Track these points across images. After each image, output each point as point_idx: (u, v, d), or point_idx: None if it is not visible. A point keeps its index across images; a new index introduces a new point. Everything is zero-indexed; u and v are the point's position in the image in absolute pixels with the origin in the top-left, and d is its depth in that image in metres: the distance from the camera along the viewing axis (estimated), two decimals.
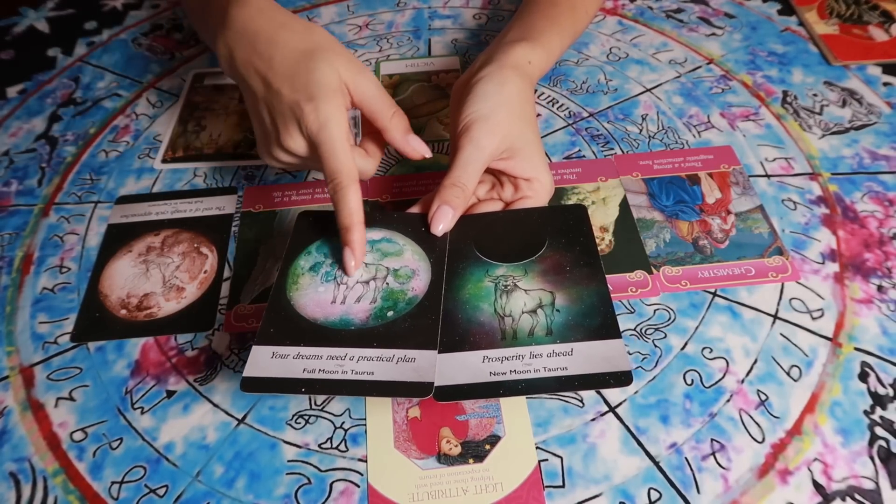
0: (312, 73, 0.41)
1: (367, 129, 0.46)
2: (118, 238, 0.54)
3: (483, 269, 0.42)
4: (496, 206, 0.46)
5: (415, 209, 0.45)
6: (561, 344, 0.37)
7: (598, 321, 0.37)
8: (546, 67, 0.50)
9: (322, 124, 0.40)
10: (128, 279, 0.51)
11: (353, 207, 0.40)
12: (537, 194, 0.45)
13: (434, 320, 0.38)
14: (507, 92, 0.44)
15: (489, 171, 0.45)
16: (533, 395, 0.42)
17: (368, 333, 0.38)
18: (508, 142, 0.43)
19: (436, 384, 0.35)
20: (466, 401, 0.42)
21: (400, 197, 0.55)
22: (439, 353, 0.37)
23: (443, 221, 0.42)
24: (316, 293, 0.40)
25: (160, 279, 0.50)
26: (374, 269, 0.41)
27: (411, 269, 0.41)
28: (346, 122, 0.41)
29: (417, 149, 0.44)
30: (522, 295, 0.40)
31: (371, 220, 0.44)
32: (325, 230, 0.44)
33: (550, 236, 0.43)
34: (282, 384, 0.35)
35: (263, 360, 0.36)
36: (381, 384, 0.35)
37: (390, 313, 0.39)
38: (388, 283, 0.40)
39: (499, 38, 0.51)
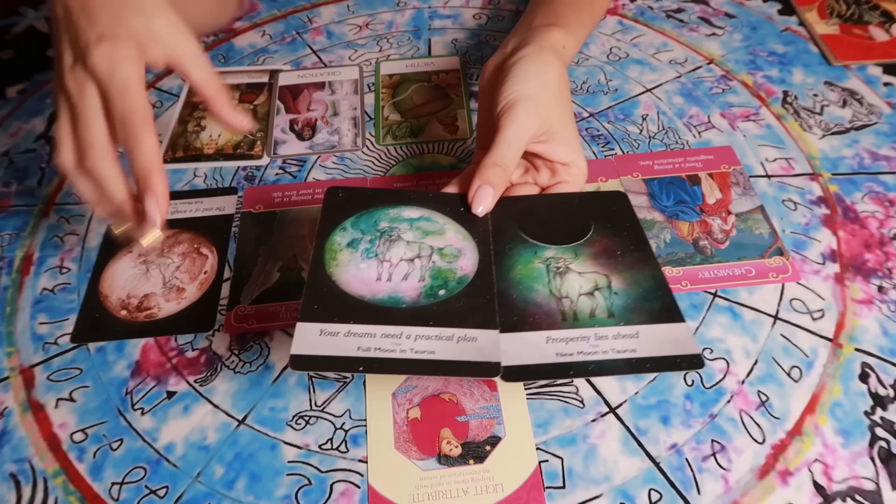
0: (121, 17, 0.38)
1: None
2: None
3: (531, 251, 0.40)
4: (532, 191, 0.45)
5: (451, 189, 0.44)
6: (625, 326, 0.36)
7: (660, 304, 0.37)
8: (574, 55, 0.50)
9: (115, 63, 0.37)
10: (128, 280, 0.51)
11: (151, 150, 0.37)
12: (574, 179, 0.44)
13: (489, 300, 0.37)
14: (548, 74, 0.43)
15: (524, 154, 0.44)
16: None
17: (423, 312, 0.36)
18: (548, 125, 0.42)
19: (502, 364, 0.34)
20: (472, 400, 0.43)
21: None
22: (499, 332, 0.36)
23: (483, 202, 0.41)
24: (358, 270, 0.39)
25: (160, 280, 0.50)
26: (417, 248, 0.40)
27: (456, 248, 0.40)
28: (143, 74, 0.38)
29: (240, 121, 0.43)
30: (577, 277, 0.39)
31: (406, 199, 0.43)
32: (358, 205, 0.42)
33: (595, 221, 0.42)
34: (337, 362, 0.34)
35: (311, 338, 0.35)
36: (444, 363, 0.34)
37: (442, 292, 0.37)
38: (434, 262, 0.39)
39: (525, 23, 0.50)
